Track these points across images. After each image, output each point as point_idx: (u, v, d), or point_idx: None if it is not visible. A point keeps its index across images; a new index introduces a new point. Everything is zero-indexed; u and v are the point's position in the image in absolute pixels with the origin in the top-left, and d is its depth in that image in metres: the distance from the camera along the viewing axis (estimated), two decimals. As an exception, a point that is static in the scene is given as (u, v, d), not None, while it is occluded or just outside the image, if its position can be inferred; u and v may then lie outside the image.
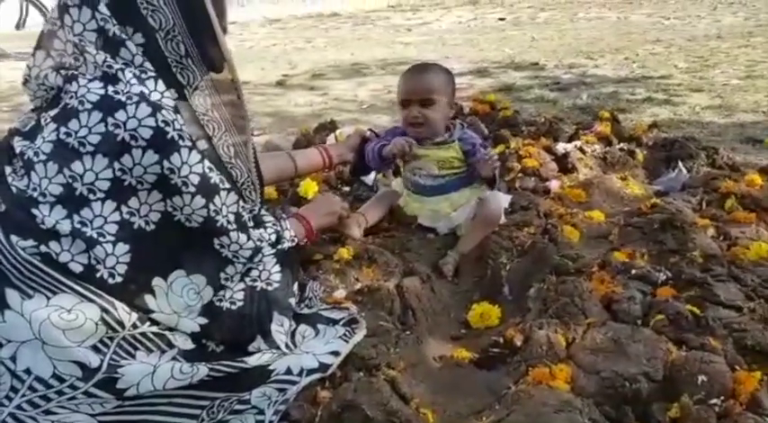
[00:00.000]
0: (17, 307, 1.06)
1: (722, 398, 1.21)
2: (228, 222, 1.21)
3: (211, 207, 1.17)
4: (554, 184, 2.30)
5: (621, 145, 2.70)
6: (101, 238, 1.10)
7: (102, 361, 1.10)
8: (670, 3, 9.72)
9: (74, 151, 1.07)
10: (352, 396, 1.20)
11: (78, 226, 1.09)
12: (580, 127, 2.88)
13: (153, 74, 1.13)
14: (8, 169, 1.15)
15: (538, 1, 10.95)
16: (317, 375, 1.28)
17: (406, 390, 1.26)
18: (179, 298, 1.18)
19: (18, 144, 1.13)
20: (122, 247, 1.12)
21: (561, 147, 2.58)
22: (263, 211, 1.37)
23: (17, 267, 1.07)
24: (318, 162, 1.89)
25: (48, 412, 1.08)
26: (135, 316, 1.14)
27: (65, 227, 1.08)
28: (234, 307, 1.25)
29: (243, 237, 1.24)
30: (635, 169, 2.55)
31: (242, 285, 1.27)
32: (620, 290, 1.54)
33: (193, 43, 1.16)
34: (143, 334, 1.15)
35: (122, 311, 1.12)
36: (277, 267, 1.32)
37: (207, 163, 1.16)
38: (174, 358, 1.17)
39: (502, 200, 1.96)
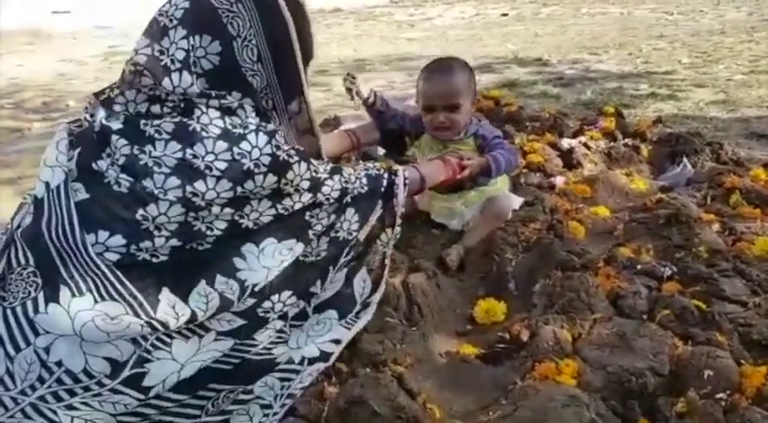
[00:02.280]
0: (65, 303, 1.08)
1: (728, 392, 1.21)
2: (328, 199, 1.32)
3: (319, 195, 1.29)
4: (559, 180, 2.31)
5: (626, 140, 2.70)
6: (207, 231, 1.17)
7: (134, 352, 1.12)
8: (673, -3, 9.68)
9: (199, 172, 1.14)
10: (359, 391, 1.20)
11: (190, 219, 1.15)
12: (584, 123, 2.87)
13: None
14: (103, 164, 1.17)
15: (541, -4, 10.91)
16: (319, 364, 1.29)
17: (413, 385, 1.26)
18: (269, 258, 1.24)
19: (121, 144, 1.16)
20: (223, 238, 1.19)
21: (566, 142, 2.57)
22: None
23: (81, 264, 1.10)
24: (347, 144, 1.94)
25: (70, 407, 1.09)
26: (184, 319, 1.16)
27: (174, 225, 1.13)
28: (318, 258, 1.32)
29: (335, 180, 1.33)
30: (640, 165, 2.55)
31: (326, 239, 1.33)
32: (626, 285, 1.54)
33: (282, 97, 1.28)
34: (184, 328, 1.18)
35: (170, 319, 1.14)
36: (356, 217, 1.37)
37: (312, 166, 1.27)
38: (216, 338, 1.21)
39: (513, 199, 1.97)
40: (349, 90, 2.09)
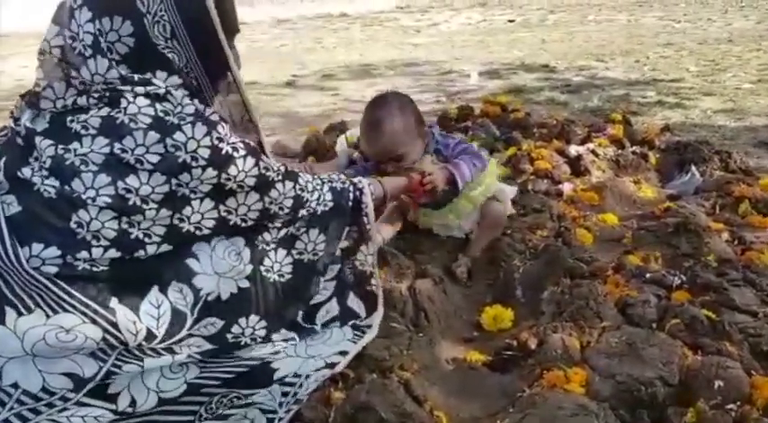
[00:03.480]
0: (11, 323, 1.02)
1: (739, 403, 1.20)
2: (281, 208, 1.24)
3: (266, 199, 1.21)
4: (567, 187, 2.30)
5: (634, 148, 2.69)
6: (146, 239, 1.10)
7: (100, 368, 1.06)
8: (680, 5, 9.68)
9: (130, 167, 1.07)
10: (365, 397, 1.19)
11: (125, 227, 1.08)
12: (592, 129, 2.87)
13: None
14: (27, 171, 1.09)
15: (547, 3, 10.94)
16: (325, 371, 1.27)
17: (420, 392, 1.25)
18: (222, 260, 1.19)
19: (45, 145, 1.09)
20: (165, 247, 1.13)
21: (574, 149, 2.57)
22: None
23: (20, 281, 1.03)
24: None
25: None
26: (142, 335, 1.10)
27: (110, 232, 1.07)
28: (282, 279, 1.26)
29: (287, 185, 1.25)
30: (647, 172, 2.54)
31: (290, 259, 1.27)
32: (635, 293, 1.53)
33: (205, 75, 1.19)
34: (151, 348, 1.13)
35: (127, 332, 1.08)
36: (322, 237, 1.31)
37: (262, 163, 1.19)
38: (189, 356, 1.17)
39: (506, 198, 1.95)
40: None
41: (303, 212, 1.28)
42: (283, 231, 1.27)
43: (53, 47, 1.13)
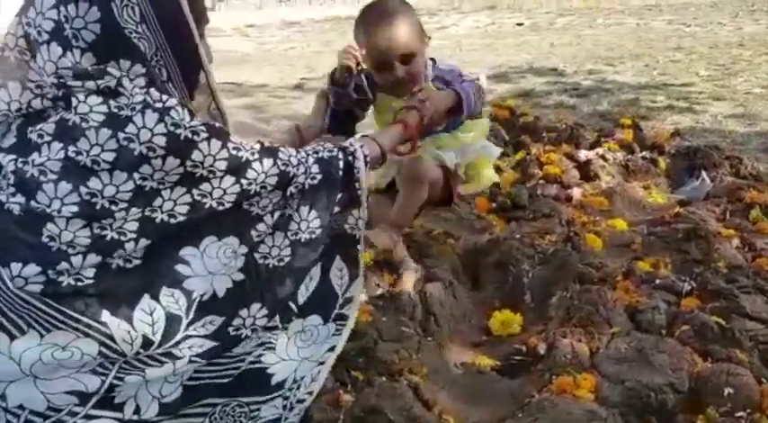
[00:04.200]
0: (4, 348, 1.01)
1: (748, 411, 1.20)
2: (264, 187, 1.15)
3: (244, 181, 1.13)
4: (576, 192, 2.30)
5: (644, 153, 2.69)
6: (122, 238, 1.06)
7: (103, 382, 1.05)
8: (691, 9, 9.64)
9: (87, 169, 1.03)
10: (374, 401, 1.20)
11: (98, 231, 1.05)
12: (601, 134, 2.86)
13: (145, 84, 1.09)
14: None
15: (556, 6, 10.91)
16: (318, 368, 1.23)
17: (429, 396, 1.26)
18: (214, 259, 1.14)
19: (7, 161, 1.05)
20: (144, 242, 1.08)
21: (583, 154, 2.57)
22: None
23: (8, 303, 1.01)
24: (293, 142, 1.76)
25: None
26: (138, 343, 1.08)
27: (83, 239, 1.04)
28: (282, 264, 1.20)
29: (267, 163, 1.16)
30: (657, 178, 2.54)
31: (287, 241, 1.20)
32: (645, 299, 1.53)
33: (176, 64, 1.13)
34: (149, 356, 1.11)
35: (123, 343, 1.07)
36: (314, 213, 1.22)
37: (231, 143, 1.11)
38: (190, 361, 1.14)
39: (491, 150, 1.83)
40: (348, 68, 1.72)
41: (292, 190, 1.20)
42: (278, 214, 1.20)
43: (16, 37, 1.08)
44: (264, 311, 1.20)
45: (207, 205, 1.12)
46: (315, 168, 1.23)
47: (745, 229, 1.97)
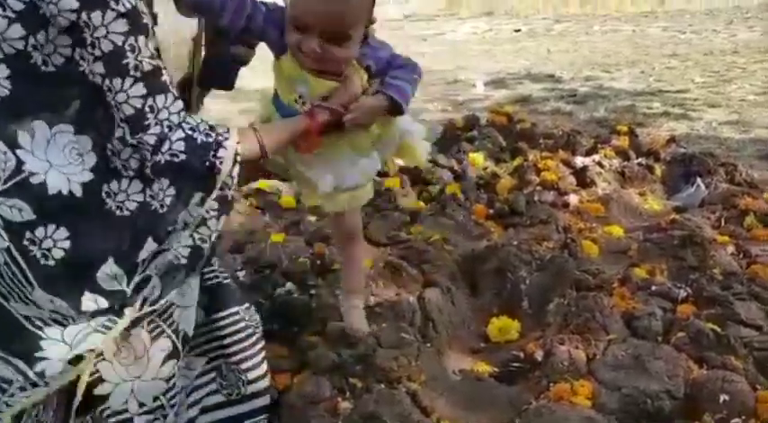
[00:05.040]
0: None
1: (744, 417, 1.21)
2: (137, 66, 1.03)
3: (115, 85, 1.02)
4: (573, 198, 2.31)
5: (640, 159, 2.71)
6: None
7: None
8: (686, 17, 9.70)
9: None
10: (373, 407, 1.21)
11: None
12: (598, 141, 2.88)
13: None
14: None
15: (553, 12, 10.96)
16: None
17: (427, 403, 1.26)
18: (59, 152, 1.05)
19: None
20: (5, 82, 1.00)
21: (580, 160, 2.58)
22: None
23: None
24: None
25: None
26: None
27: None
28: (119, 213, 1.07)
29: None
30: (653, 184, 2.56)
31: (141, 197, 1.08)
32: (641, 306, 1.54)
33: None
34: None
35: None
36: (172, 190, 1.09)
37: (131, 40, 1.01)
38: None
39: (417, 140, 1.42)
40: None
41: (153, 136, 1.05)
42: (145, 166, 1.06)
43: None
44: (68, 245, 1.05)
45: (82, 69, 1.02)
46: (181, 146, 1.07)
47: (740, 236, 1.99)
